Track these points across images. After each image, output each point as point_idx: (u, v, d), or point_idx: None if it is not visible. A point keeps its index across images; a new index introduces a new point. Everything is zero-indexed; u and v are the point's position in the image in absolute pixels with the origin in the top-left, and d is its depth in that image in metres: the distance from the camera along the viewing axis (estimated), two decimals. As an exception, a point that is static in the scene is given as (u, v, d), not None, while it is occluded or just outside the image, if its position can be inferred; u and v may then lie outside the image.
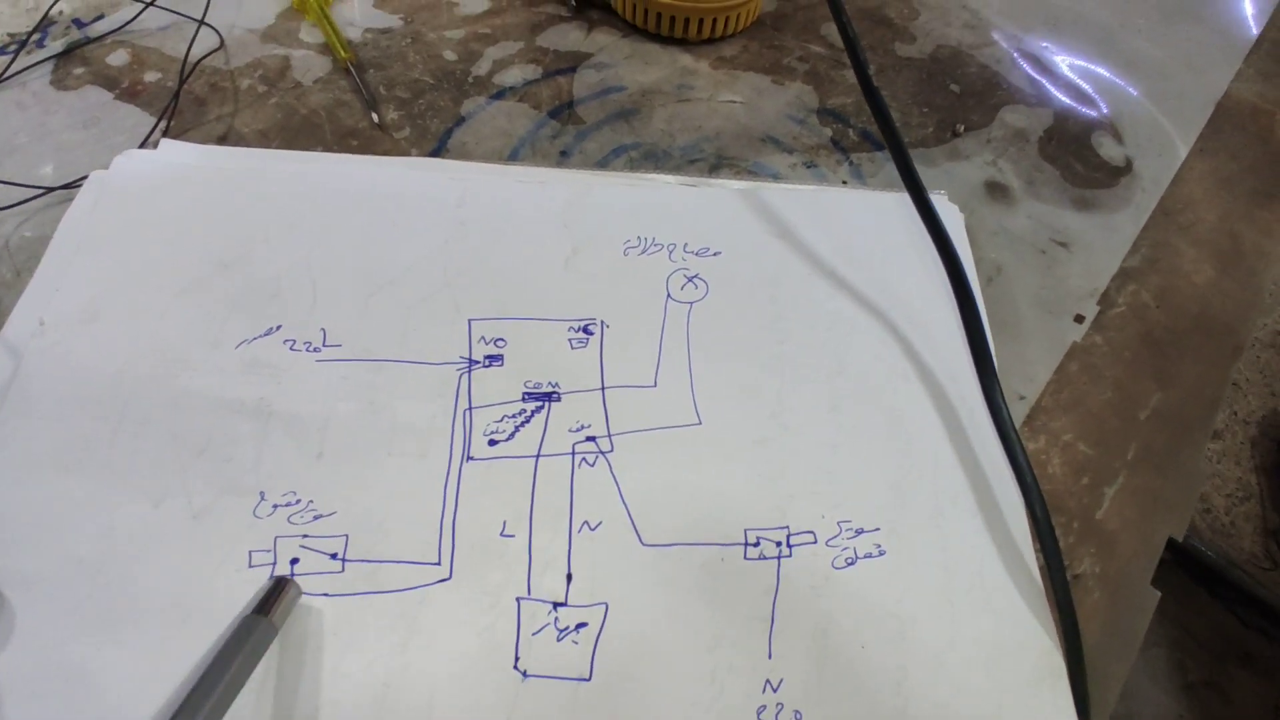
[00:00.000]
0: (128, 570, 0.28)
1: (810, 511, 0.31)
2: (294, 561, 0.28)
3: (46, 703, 0.26)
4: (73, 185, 0.37)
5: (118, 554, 0.28)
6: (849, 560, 0.30)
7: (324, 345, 0.33)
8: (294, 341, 0.33)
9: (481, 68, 0.45)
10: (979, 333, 0.32)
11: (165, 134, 0.40)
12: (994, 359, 0.32)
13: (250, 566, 0.28)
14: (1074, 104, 0.47)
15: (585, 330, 0.34)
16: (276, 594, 0.27)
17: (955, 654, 0.28)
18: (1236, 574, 1.06)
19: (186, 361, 0.32)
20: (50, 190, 0.37)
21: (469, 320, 0.34)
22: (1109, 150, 0.45)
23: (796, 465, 0.32)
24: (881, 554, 0.30)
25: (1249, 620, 1.07)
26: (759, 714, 0.27)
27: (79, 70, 0.43)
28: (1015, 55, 0.49)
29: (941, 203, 0.39)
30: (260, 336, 0.33)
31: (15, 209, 0.37)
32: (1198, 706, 1.03)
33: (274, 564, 0.28)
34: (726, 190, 0.39)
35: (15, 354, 0.32)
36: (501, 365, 0.33)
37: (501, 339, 0.34)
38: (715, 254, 0.37)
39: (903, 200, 0.39)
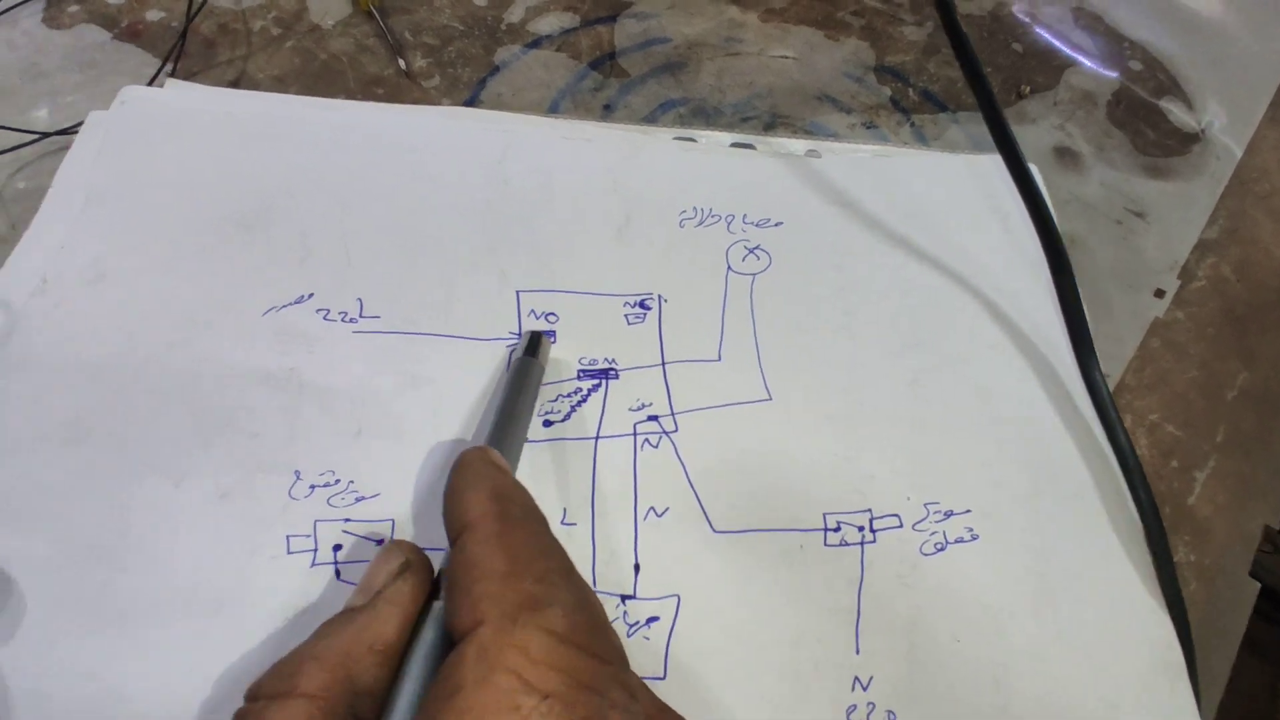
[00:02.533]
0: (149, 555, 0.25)
1: (893, 493, 0.28)
2: (337, 548, 0.26)
3: (57, 702, 0.23)
4: (70, 131, 0.34)
5: (137, 537, 0.25)
6: (938, 546, 0.27)
7: (360, 316, 0.30)
8: (327, 311, 0.30)
9: (514, 14, 0.42)
10: (1076, 305, 0.29)
11: (172, 75, 0.37)
12: (1091, 333, 0.29)
13: (289, 553, 0.25)
14: (1141, 67, 0.44)
15: (642, 305, 0.31)
16: (537, 342, 0.29)
17: (1059, 647, 0.26)
18: (1238, 556, 1.06)
19: (207, 327, 0.29)
20: (46, 135, 0.34)
21: (517, 292, 0.31)
22: (1179, 116, 0.42)
23: (876, 443, 0.29)
24: (974, 538, 0.28)
25: (1249, 602, 1.07)
26: (849, 714, 0.25)
27: (73, 8, 0.39)
28: (1078, 14, 0.46)
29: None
30: (290, 304, 0.30)
31: (8, 155, 0.33)
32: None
33: (315, 550, 0.26)
34: (784, 157, 0.36)
35: (10, 311, 0.28)
36: (554, 341, 0.30)
37: (553, 313, 0.31)
38: (777, 224, 0.34)
39: (973, 163, 0.37)
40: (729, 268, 0.33)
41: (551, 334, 0.30)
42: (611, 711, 0.17)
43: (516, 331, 0.30)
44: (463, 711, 0.16)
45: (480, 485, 0.21)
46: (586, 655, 0.18)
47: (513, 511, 0.21)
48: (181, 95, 0.35)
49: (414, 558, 0.22)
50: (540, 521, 0.21)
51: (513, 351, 0.30)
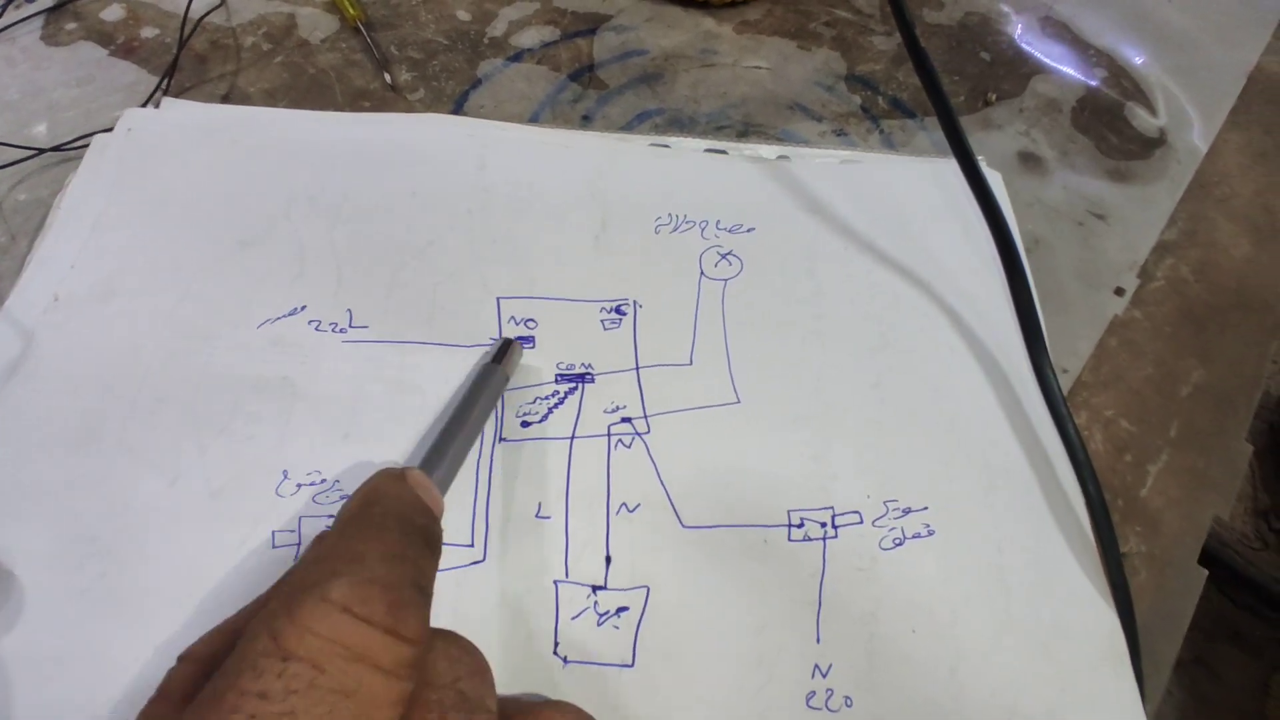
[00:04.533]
0: (143, 548, 0.26)
1: (855, 490, 0.30)
2: (320, 543, 0.27)
3: (56, 685, 0.24)
4: (68, 146, 0.35)
5: (132, 532, 0.27)
6: (896, 541, 0.29)
7: (350, 326, 0.31)
8: (319, 322, 0.31)
9: (497, 28, 0.43)
10: (1029, 305, 0.31)
11: (166, 93, 0.38)
12: (1044, 333, 0.31)
13: (274, 547, 0.27)
14: (1106, 74, 0.45)
15: (618, 311, 0.33)
16: (506, 349, 0.30)
17: (1010, 638, 0.27)
18: (1227, 553, 1.07)
19: (207, 339, 0.30)
20: (44, 151, 0.35)
21: (498, 299, 0.32)
22: (1142, 122, 0.44)
23: (839, 443, 0.30)
24: (930, 534, 0.29)
25: (1238, 599, 1.08)
26: (808, 700, 0.26)
27: (71, 25, 0.41)
28: (1046, 23, 0.48)
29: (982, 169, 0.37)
30: (284, 316, 0.31)
31: (9, 170, 0.35)
32: (1186, 683, 1.04)
33: (299, 544, 0.27)
34: (757, 162, 0.38)
35: (23, 329, 0.30)
36: (533, 346, 0.32)
37: (532, 319, 0.32)
38: (749, 230, 0.35)
39: (938, 167, 0.38)
40: (702, 273, 0.34)
41: (529, 340, 0.32)
42: (387, 684, 0.16)
43: (497, 337, 0.32)
44: (222, 672, 0.16)
45: (356, 495, 0.21)
46: (369, 627, 0.16)
47: (371, 512, 0.20)
48: (179, 114, 0.36)
49: None
50: (396, 516, 0.20)
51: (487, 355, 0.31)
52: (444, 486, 0.26)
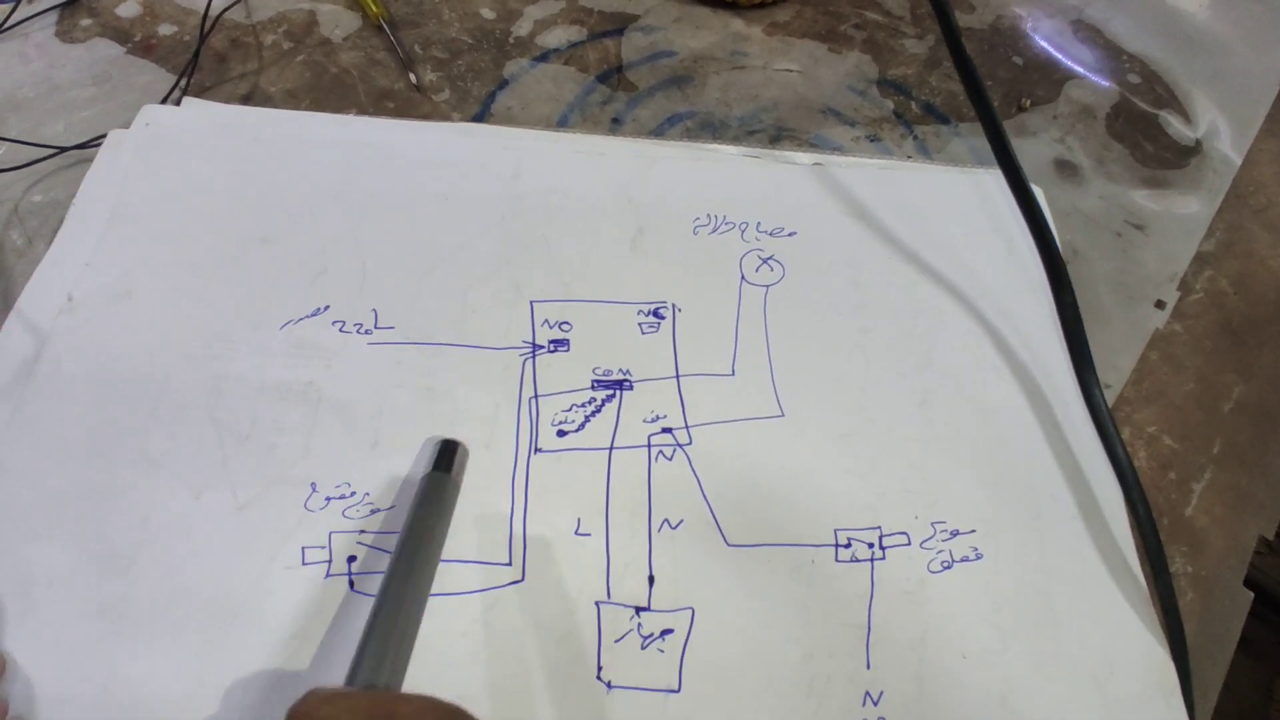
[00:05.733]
0: (167, 565, 0.26)
1: (902, 511, 0.29)
2: (351, 559, 0.26)
3: (76, 709, 0.23)
4: (87, 145, 0.34)
5: (155, 548, 0.26)
6: (945, 564, 0.28)
7: (375, 327, 0.30)
8: (343, 323, 0.30)
9: (522, 27, 0.42)
10: (1076, 323, 0.30)
11: (185, 92, 0.37)
12: (1091, 351, 0.30)
13: (304, 564, 0.26)
14: (1139, 80, 0.45)
15: (656, 314, 0.32)
16: (450, 452, 0.27)
17: (1061, 665, 0.26)
18: (1231, 556, 1.07)
19: (228, 342, 0.29)
20: (63, 150, 0.34)
21: (531, 302, 0.32)
22: (1177, 130, 0.43)
23: (886, 461, 0.30)
24: (979, 557, 0.28)
25: (1242, 602, 1.08)
26: (860, 727, 0.25)
27: (86, 22, 0.40)
28: (1078, 27, 0.47)
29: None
30: (307, 317, 0.30)
31: (25, 170, 0.34)
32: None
33: (329, 561, 0.26)
34: (796, 166, 0.37)
35: (37, 331, 0.29)
36: (568, 351, 0.31)
37: (567, 323, 0.31)
38: (790, 234, 0.34)
39: (979, 178, 0.37)
40: (742, 278, 0.33)
41: (564, 343, 0.31)
42: None
43: (530, 340, 0.31)
44: None
45: None
46: None
47: None
48: (200, 113, 0.35)
49: None
50: None
51: (525, 361, 0.30)
52: (406, 650, 0.23)
